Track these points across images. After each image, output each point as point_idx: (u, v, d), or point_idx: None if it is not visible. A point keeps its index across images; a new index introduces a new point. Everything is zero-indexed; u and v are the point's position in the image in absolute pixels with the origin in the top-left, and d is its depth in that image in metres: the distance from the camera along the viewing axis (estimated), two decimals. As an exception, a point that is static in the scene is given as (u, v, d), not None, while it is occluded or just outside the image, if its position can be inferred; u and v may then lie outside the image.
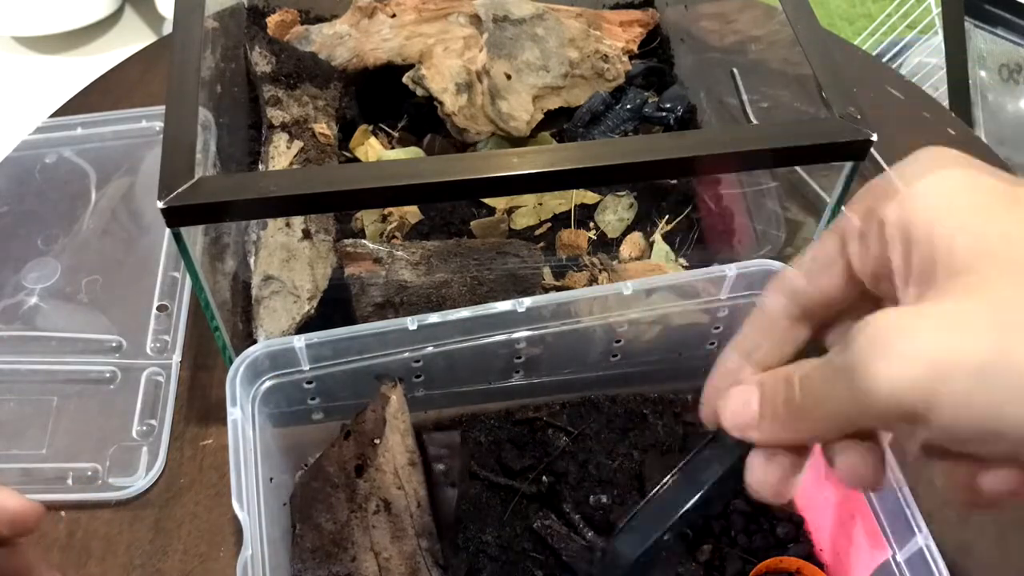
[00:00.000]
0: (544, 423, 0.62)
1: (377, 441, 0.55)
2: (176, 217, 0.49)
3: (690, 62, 0.82)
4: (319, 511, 0.55)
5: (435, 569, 0.53)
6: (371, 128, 0.77)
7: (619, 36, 0.82)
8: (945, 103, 1.14)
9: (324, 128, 0.69)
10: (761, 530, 0.58)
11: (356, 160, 0.75)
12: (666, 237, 0.72)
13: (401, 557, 0.52)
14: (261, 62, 0.72)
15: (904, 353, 0.25)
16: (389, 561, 0.52)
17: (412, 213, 0.71)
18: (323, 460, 0.57)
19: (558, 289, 0.66)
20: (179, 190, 0.48)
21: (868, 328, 0.26)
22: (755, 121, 0.77)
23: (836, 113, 0.53)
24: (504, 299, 0.55)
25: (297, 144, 0.68)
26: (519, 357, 0.59)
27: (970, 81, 1.14)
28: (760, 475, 0.33)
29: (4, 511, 0.36)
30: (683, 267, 0.70)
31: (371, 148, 0.76)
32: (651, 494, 0.38)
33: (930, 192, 0.28)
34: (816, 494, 0.58)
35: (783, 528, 0.58)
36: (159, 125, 0.81)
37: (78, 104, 0.85)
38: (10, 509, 0.36)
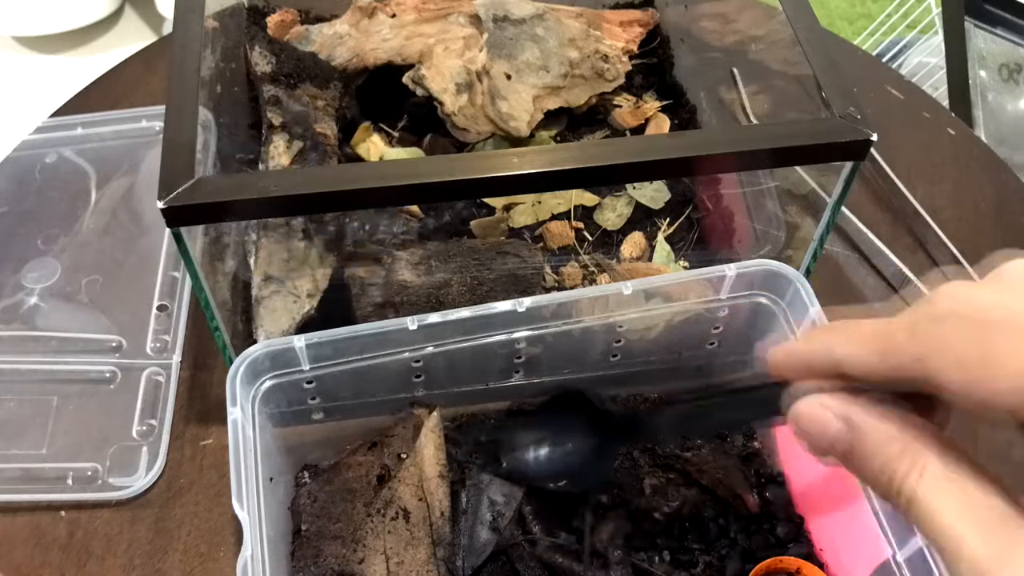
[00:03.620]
0: (544, 423, 0.62)
1: (404, 456, 0.56)
2: (176, 217, 0.49)
3: (690, 62, 0.82)
4: (332, 512, 0.55)
5: None
6: (372, 127, 0.77)
7: (619, 36, 0.82)
8: (945, 103, 1.14)
9: (324, 128, 0.69)
10: (761, 530, 0.58)
11: (358, 158, 0.75)
12: (666, 237, 0.72)
13: (414, 563, 0.53)
14: (261, 62, 0.72)
15: None
16: (400, 566, 0.52)
17: (412, 213, 0.71)
18: (341, 466, 0.57)
19: (558, 289, 0.66)
20: (179, 190, 0.48)
21: None
22: (755, 121, 0.77)
23: (836, 113, 0.53)
24: (504, 299, 0.55)
25: (297, 144, 0.68)
26: (519, 357, 0.59)
27: (970, 81, 1.14)
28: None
29: None
30: (684, 268, 0.70)
31: (373, 145, 0.76)
32: None
33: None
34: (816, 494, 0.58)
35: (783, 528, 0.58)
36: (159, 125, 0.81)
37: (78, 104, 0.85)
38: None
